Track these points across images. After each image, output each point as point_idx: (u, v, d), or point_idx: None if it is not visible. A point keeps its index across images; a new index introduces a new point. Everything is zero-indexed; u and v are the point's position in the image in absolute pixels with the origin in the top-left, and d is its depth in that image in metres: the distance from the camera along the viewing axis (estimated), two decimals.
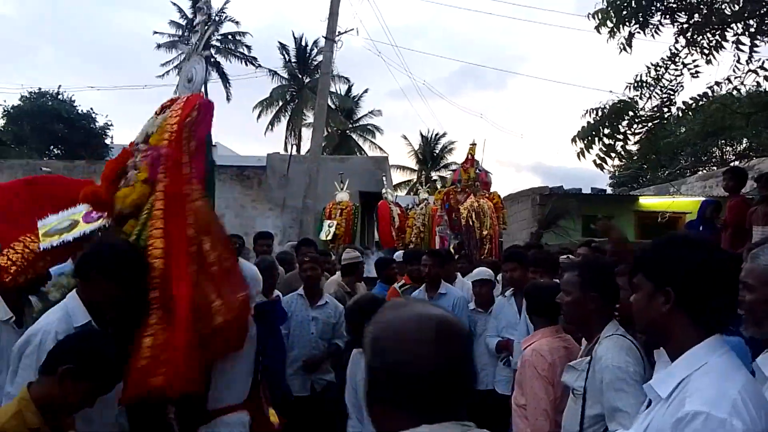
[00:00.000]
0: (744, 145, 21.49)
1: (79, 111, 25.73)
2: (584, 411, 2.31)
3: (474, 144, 9.04)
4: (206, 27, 3.02)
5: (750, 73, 4.42)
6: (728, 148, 22.20)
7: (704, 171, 18.42)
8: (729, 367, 1.46)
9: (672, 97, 4.71)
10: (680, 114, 4.78)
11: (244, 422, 2.54)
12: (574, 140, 4.81)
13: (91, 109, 26.28)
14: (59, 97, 25.69)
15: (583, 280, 2.48)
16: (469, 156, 8.90)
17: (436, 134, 37.74)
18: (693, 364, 1.47)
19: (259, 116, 34.21)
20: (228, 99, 34.34)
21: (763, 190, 5.26)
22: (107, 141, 26.45)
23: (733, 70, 4.86)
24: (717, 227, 5.98)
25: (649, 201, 14.23)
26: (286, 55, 34.05)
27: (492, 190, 9.32)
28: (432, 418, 1.00)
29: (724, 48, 5.01)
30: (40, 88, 25.70)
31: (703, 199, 6.69)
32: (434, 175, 34.27)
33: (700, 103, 4.64)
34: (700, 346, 1.49)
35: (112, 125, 27.06)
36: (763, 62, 4.41)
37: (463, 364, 1.05)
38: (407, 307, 1.10)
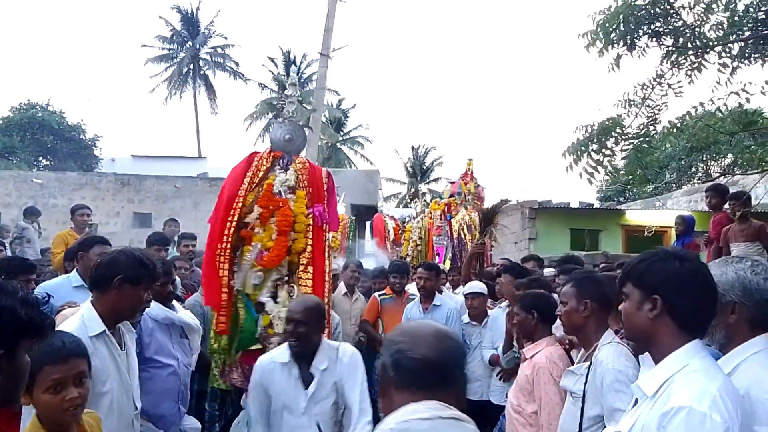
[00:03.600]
0: (728, 161, 21.89)
1: (69, 123, 25.74)
2: (583, 412, 2.45)
3: (471, 159, 9.26)
4: (295, 97, 4.04)
5: (732, 94, 4.64)
6: (713, 163, 22.61)
7: (690, 186, 18.77)
8: (709, 368, 1.61)
9: (657, 115, 4.92)
10: (665, 132, 4.98)
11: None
12: (563, 155, 5.00)
13: (81, 120, 26.32)
14: (48, 108, 25.69)
15: (578, 291, 2.64)
16: (468, 170, 9.08)
17: (426, 148, 38.09)
18: (677, 365, 1.62)
19: (247, 129, 34.32)
20: (213, 111, 34.51)
21: (737, 208, 5.46)
22: (96, 153, 26.44)
23: (712, 91, 5.07)
24: (689, 241, 6.21)
25: (635, 215, 14.50)
26: (275, 68, 34.24)
27: (486, 205, 9.49)
28: (422, 398, 1.28)
29: (706, 68, 5.23)
30: (29, 100, 25.73)
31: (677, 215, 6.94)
32: (423, 187, 34.49)
33: (684, 122, 4.85)
34: (684, 349, 1.64)
35: (101, 137, 27.13)
36: (745, 85, 4.63)
37: (451, 360, 1.35)
38: (416, 322, 1.49)
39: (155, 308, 3.42)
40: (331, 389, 2.85)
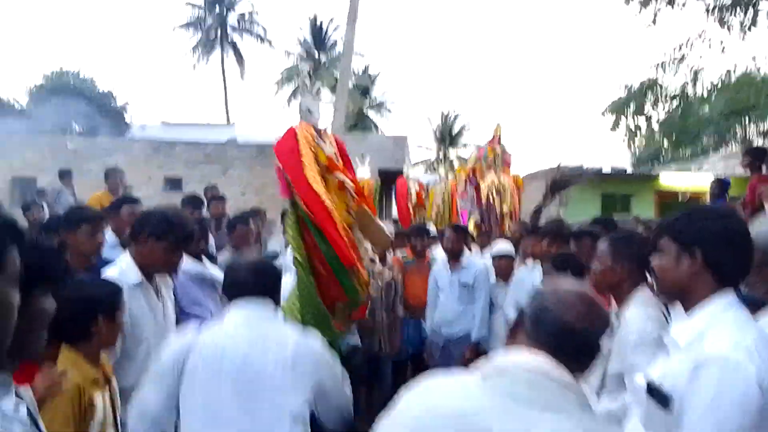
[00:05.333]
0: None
1: (100, 90, 26.10)
2: (607, 369, 2.45)
3: (499, 125, 9.16)
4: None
5: None
6: (752, 126, 21.80)
7: (726, 150, 18.20)
8: (743, 321, 1.60)
9: (697, 75, 4.74)
10: (705, 93, 4.80)
11: None
12: (604, 113, 4.87)
13: (112, 89, 26.70)
14: (80, 76, 26.06)
15: (614, 250, 2.61)
16: (496, 135, 8.98)
17: (455, 114, 37.61)
18: (712, 317, 1.61)
19: (276, 93, 34.34)
20: (242, 76, 34.53)
21: None
22: (127, 120, 26.83)
23: None
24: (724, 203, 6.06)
25: (669, 179, 14.16)
26: (301, 34, 34.00)
27: (512, 171, 9.39)
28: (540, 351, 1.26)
29: (756, 26, 4.97)
30: (61, 68, 26.13)
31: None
32: (452, 153, 34.17)
33: (725, 82, 4.66)
34: (719, 302, 1.63)
35: (130, 104, 27.54)
36: None
37: (588, 328, 1.30)
38: (569, 284, 1.41)
39: (188, 263, 3.54)
40: None
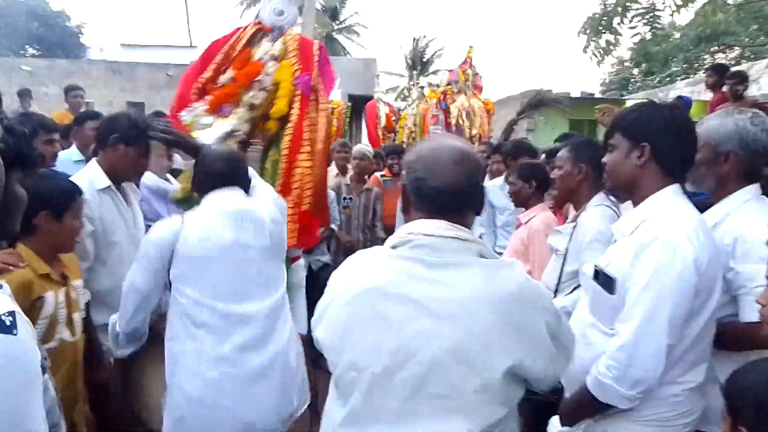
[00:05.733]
0: (736, 53, 21.30)
1: (53, 9, 24.61)
2: (563, 268, 2.60)
3: (472, 47, 9.01)
4: None
5: None
6: (721, 54, 22.01)
7: (694, 77, 18.39)
8: (684, 207, 1.72)
9: None
10: (673, 6, 4.81)
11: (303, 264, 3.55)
12: (579, 34, 4.86)
13: (65, 8, 25.17)
14: None
15: (575, 155, 2.70)
16: (467, 58, 8.88)
17: (427, 40, 36.72)
18: (657, 205, 1.72)
19: (241, 15, 32.83)
20: None
21: (735, 87, 5.43)
22: (83, 41, 25.51)
23: None
24: None
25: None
26: None
27: (483, 95, 9.37)
28: (430, 217, 1.35)
29: None
30: None
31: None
32: (423, 81, 33.67)
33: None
34: (664, 191, 1.74)
35: (86, 24, 26.07)
36: None
37: (469, 184, 1.36)
38: (436, 144, 1.42)
39: (149, 177, 3.53)
40: None
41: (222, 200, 2.22)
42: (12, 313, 0.92)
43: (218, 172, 2.25)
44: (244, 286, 2.17)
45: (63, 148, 4.52)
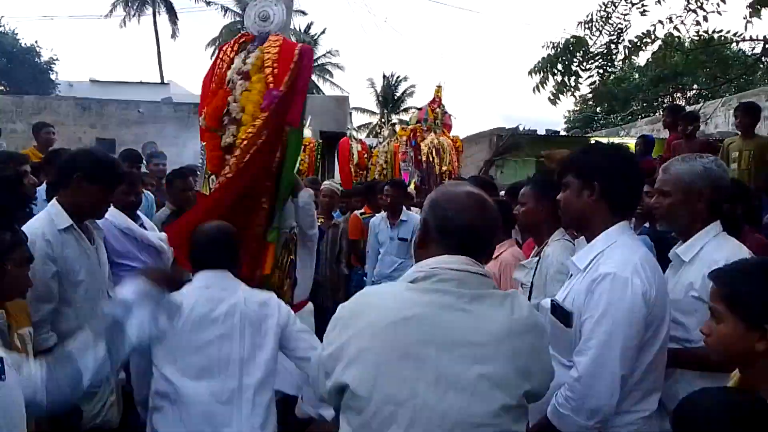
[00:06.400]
0: (694, 92, 22.24)
1: (23, 44, 24.44)
2: (530, 301, 2.68)
3: (440, 86, 9.29)
4: None
5: (690, 12, 4.72)
6: (679, 94, 22.94)
7: (654, 115, 19.13)
8: (633, 243, 1.84)
9: (621, 34, 4.99)
10: (627, 51, 5.07)
11: (311, 310, 3.39)
12: (530, 73, 5.07)
13: (36, 42, 25.04)
14: (0, 28, 24.27)
15: (537, 192, 2.82)
16: (436, 97, 9.14)
17: (398, 77, 37.51)
18: (607, 242, 1.83)
19: (212, 55, 33.04)
20: (174, 35, 33.00)
21: (686, 127, 5.71)
22: (53, 76, 25.32)
23: (685, 10, 5.12)
24: (647, 159, 6.50)
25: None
26: None
27: (453, 133, 9.63)
28: (455, 253, 1.41)
29: None
30: None
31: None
32: (394, 118, 34.21)
33: (645, 41, 4.93)
34: (613, 228, 1.85)
35: (57, 60, 25.90)
36: (702, 3, 4.71)
37: (490, 228, 1.46)
38: (458, 186, 1.55)
39: (117, 216, 3.50)
40: None
41: (207, 281, 2.28)
42: (0, 360, 0.94)
43: (205, 254, 2.31)
44: (210, 365, 2.19)
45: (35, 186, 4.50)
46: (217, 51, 3.21)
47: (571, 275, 1.94)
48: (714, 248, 2.00)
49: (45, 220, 2.51)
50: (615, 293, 1.68)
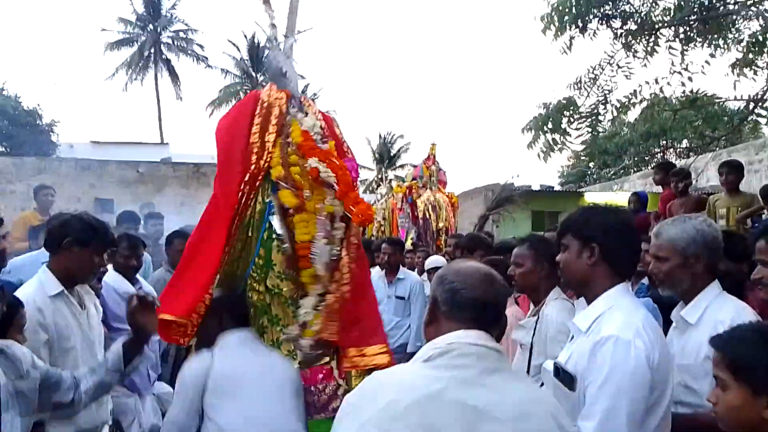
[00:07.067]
0: (684, 146, 22.66)
1: (25, 107, 24.93)
2: (530, 361, 2.66)
3: (434, 144, 9.48)
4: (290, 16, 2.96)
5: (675, 74, 4.91)
6: (670, 149, 23.37)
7: (646, 170, 19.43)
8: (633, 305, 1.83)
9: (607, 95, 5.17)
10: (614, 111, 5.24)
11: None
12: (523, 132, 5.21)
13: (38, 105, 25.55)
14: (3, 93, 24.82)
15: (535, 253, 2.83)
16: (431, 154, 9.31)
17: (393, 135, 38.27)
18: (607, 304, 1.82)
19: (211, 115, 33.79)
20: (178, 97, 33.85)
21: (678, 184, 5.81)
22: (54, 138, 25.71)
23: (670, 72, 5.34)
24: (641, 215, 6.56)
25: (593, 197, 14.96)
26: (238, 53, 33.71)
27: (448, 189, 9.74)
28: (468, 327, 1.41)
29: (657, 52, 5.52)
30: None
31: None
32: (390, 174, 34.66)
33: (632, 101, 5.11)
34: (613, 290, 1.84)
35: (58, 122, 26.38)
36: (687, 65, 4.90)
37: (500, 301, 1.48)
38: (465, 263, 1.57)
39: (117, 280, 3.50)
40: None
41: (241, 339, 2.50)
42: None
43: (231, 317, 2.54)
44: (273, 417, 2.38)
45: (31, 249, 4.50)
46: (250, 93, 2.91)
47: (573, 337, 1.92)
48: (717, 309, 2.02)
49: (35, 286, 2.49)
50: (618, 356, 1.66)
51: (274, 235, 2.80)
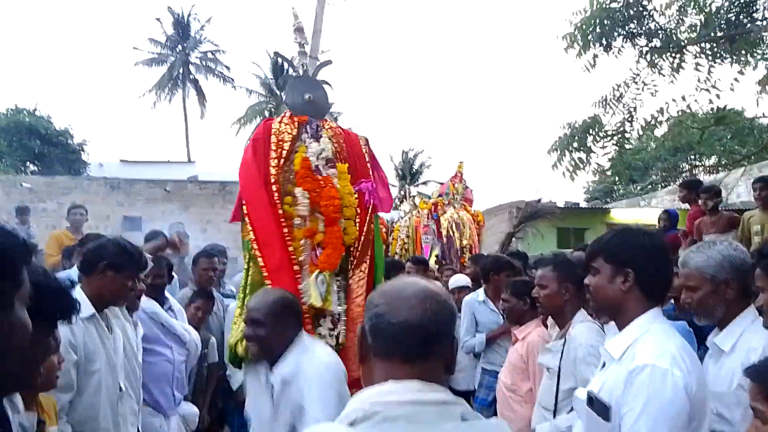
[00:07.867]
0: (713, 161, 22.24)
1: (56, 128, 25.66)
2: (559, 386, 2.61)
3: (462, 162, 9.48)
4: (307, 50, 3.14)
5: (702, 91, 4.85)
6: (698, 163, 22.96)
7: (674, 185, 19.11)
8: (668, 331, 1.77)
9: (633, 113, 5.12)
10: (640, 130, 5.20)
11: None
12: (549, 152, 5.19)
13: (69, 125, 26.30)
14: (36, 113, 25.60)
15: (559, 275, 2.79)
16: (458, 172, 9.30)
17: (415, 151, 38.36)
18: (640, 330, 1.77)
19: (237, 133, 34.31)
20: (203, 116, 34.53)
21: (708, 201, 5.69)
22: (84, 157, 26.38)
23: (697, 89, 5.28)
24: (671, 233, 6.42)
25: (620, 213, 14.75)
26: (262, 72, 34.25)
27: (474, 207, 9.70)
28: (403, 371, 1.12)
29: (683, 69, 5.46)
30: (16, 105, 25.65)
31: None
32: (413, 190, 34.67)
33: (658, 119, 5.05)
34: (646, 316, 1.79)
35: (88, 142, 27.11)
36: (715, 82, 4.84)
37: (435, 323, 1.14)
38: (400, 281, 1.24)
39: (145, 301, 3.54)
40: (290, 406, 2.32)
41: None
42: None
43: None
44: None
45: (65, 268, 4.60)
46: (263, 122, 2.99)
47: (604, 364, 1.88)
48: (751, 335, 1.96)
49: None
50: (655, 385, 1.60)
51: None
